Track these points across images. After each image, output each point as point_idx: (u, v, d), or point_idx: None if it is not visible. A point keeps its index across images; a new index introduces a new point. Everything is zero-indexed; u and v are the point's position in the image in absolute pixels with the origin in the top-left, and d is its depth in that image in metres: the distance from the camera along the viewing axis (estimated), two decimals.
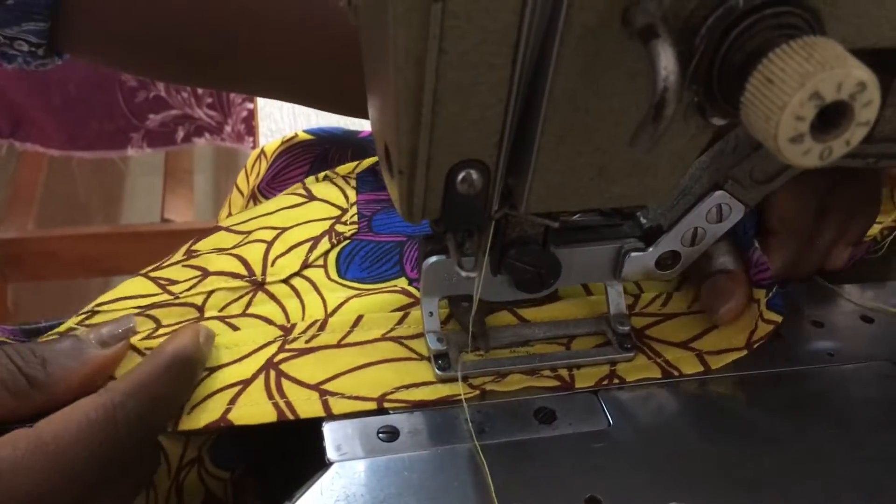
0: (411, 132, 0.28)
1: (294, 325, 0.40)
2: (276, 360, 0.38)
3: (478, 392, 0.38)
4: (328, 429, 0.36)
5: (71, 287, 1.46)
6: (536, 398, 0.38)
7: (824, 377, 0.40)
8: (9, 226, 1.33)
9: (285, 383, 0.37)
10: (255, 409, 0.36)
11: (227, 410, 0.36)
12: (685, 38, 0.26)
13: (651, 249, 0.39)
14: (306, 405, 0.37)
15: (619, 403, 0.39)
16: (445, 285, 0.38)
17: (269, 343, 0.39)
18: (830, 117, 0.23)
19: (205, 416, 0.36)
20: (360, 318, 0.40)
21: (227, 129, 1.30)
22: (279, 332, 0.40)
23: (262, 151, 0.65)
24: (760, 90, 0.23)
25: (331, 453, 0.35)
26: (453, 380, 0.38)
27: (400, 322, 0.40)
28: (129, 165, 1.65)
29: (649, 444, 0.37)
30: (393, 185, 0.31)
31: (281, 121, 0.78)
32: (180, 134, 1.30)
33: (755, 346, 0.40)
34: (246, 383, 0.37)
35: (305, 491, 0.34)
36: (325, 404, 0.37)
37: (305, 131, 0.64)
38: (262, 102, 0.80)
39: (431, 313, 0.39)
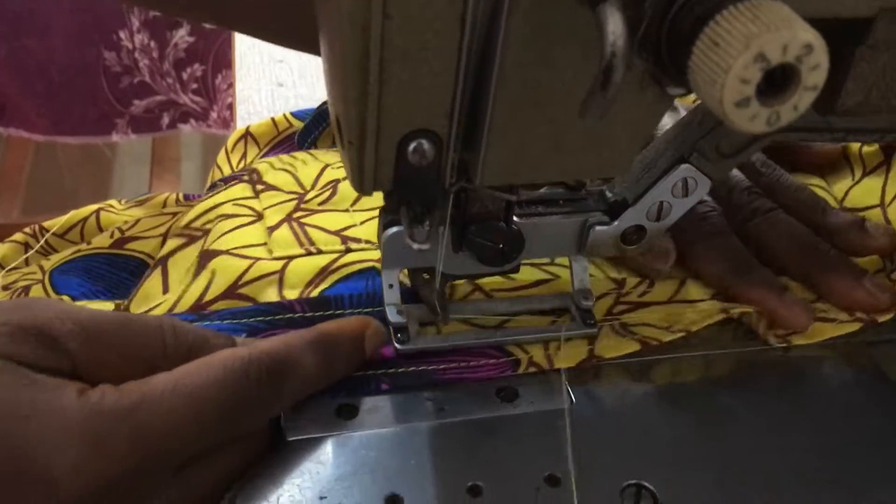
0: (359, 101, 0.28)
1: None
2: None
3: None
4: None
5: None
6: (499, 377, 0.38)
7: (791, 357, 0.40)
8: None
9: None
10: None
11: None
12: (634, 2, 0.25)
13: (616, 223, 0.38)
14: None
15: (582, 382, 0.38)
16: (406, 257, 0.37)
17: None
18: (777, 81, 0.23)
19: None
20: None
21: (213, 115, 1.30)
22: None
23: (248, 132, 0.64)
24: (706, 54, 0.23)
25: (288, 430, 0.35)
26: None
27: None
28: (117, 153, 1.64)
29: (611, 423, 0.36)
30: (344, 156, 0.30)
31: (259, 103, 0.77)
32: (165, 120, 1.29)
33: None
34: None
35: (261, 469, 0.34)
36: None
37: (293, 114, 0.64)
38: (240, 86, 0.79)
39: (391, 285, 0.38)
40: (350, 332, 0.36)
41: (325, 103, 0.60)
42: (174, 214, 0.53)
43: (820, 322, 0.41)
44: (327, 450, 0.34)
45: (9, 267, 0.53)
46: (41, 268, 0.50)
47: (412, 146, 0.29)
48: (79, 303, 0.45)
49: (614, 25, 0.24)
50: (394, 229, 0.36)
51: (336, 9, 0.26)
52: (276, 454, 0.34)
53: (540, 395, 0.37)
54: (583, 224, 0.38)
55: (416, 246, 0.32)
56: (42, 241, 0.54)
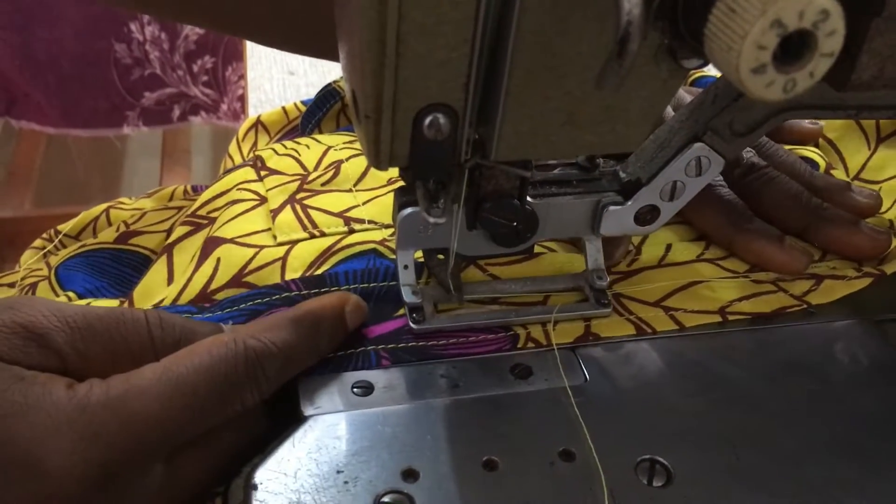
0: (376, 75, 0.28)
1: None
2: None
3: None
4: (303, 384, 0.36)
5: None
6: (513, 354, 0.38)
7: (803, 334, 0.40)
8: (6, 205, 1.34)
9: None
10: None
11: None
12: None
13: (630, 203, 0.38)
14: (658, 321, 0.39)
15: (596, 360, 0.38)
16: (421, 238, 0.38)
17: None
18: (793, 48, 0.23)
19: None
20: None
21: (223, 107, 1.30)
22: None
23: (260, 121, 0.65)
24: (723, 20, 0.23)
25: (305, 408, 0.35)
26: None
27: None
28: (127, 146, 1.65)
29: (625, 400, 0.37)
30: (360, 131, 0.31)
31: (270, 91, 0.77)
32: (176, 112, 1.29)
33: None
34: None
35: (279, 444, 0.34)
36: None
37: (304, 103, 0.64)
38: (251, 74, 0.79)
39: (406, 266, 0.38)
40: (331, 309, 0.37)
41: (328, 85, 0.60)
42: (179, 209, 0.53)
43: (831, 279, 0.42)
44: (344, 425, 0.35)
45: (24, 266, 0.54)
46: (48, 264, 0.51)
47: (428, 120, 0.29)
48: (84, 300, 0.46)
49: None
50: (409, 210, 0.36)
51: None
52: (294, 430, 0.34)
53: (553, 373, 0.37)
54: (596, 204, 0.38)
55: (431, 220, 0.32)
56: (55, 242, 0.55)
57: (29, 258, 0.57)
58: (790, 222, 0.44)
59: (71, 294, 0.46)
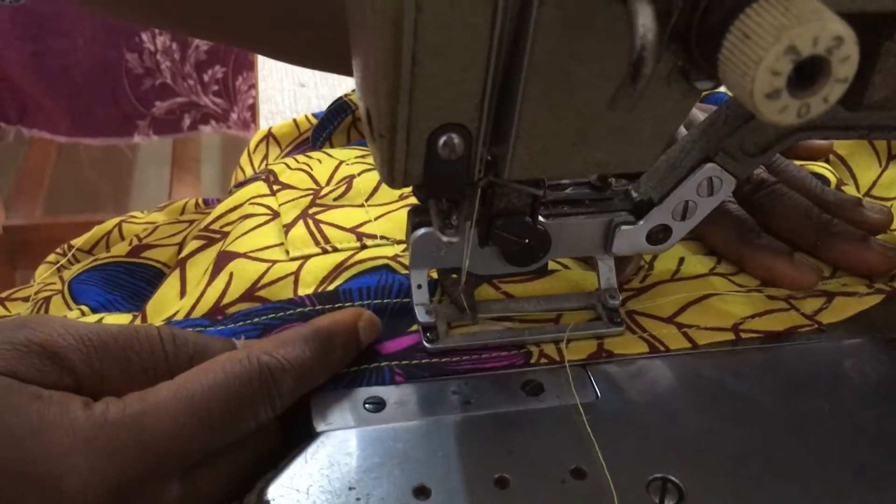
0: (390, 95, 0.28)
1: None
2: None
3: None
4: (315, 400, 0.36)
5: None
6: (526, 371, 0.38)
7: (815, 352, 0.40)
8: (17, 212, 1.34)
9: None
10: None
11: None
12: None
13: (642, 223, 0.39)
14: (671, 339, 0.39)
15: (607, 377, 0.38)
16: (434, 258, 0.38)
17: None
18: (808, 74, 0.23)
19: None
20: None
21: (233, 116, 1.31)
22: None
23: (271, 133, 0.65)
24: (737, 46, 0.23)
25: (317, 423, 0.35)
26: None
27: None
28: (137, 154, 1.66)
29: (636, 417, 0.37)
30: (374, 150, 0.31)
31: (282, 103, 0.78)
32: (186, 121, 1.30)
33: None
34: None
35: (291, 460, 0.34)
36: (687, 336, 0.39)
37: (315, 115, 0.65)
38: (262, 86, 0.80)
39: (420, 286, 0.39)
40: (344, 325, 0.37)
41: (339, 99, 0.61)
42: (191, 222, 0.54)
43: (842, 297, 0.42)
44: (356, 442, 0.35)
45: (39, 280, 0.55)
46: (61, 278, 0.52)
47: (442, 140, 0.29)
48: (97, 314, 0.46)
49: (644, 18, 0.24)
50: (422, 230, 0.36)
51: (369, 3, 0.26)
52: (306, 446, 0.34)
53: (565, 390, 0.37)
54: (608, 224, 0.39)
55: (445, 239, 0.32)
56: (69, 256, 0.56)
57: (43, 272, 0.58)
58: (800, 238, 0.44)
59: (84, 308, 0.47)
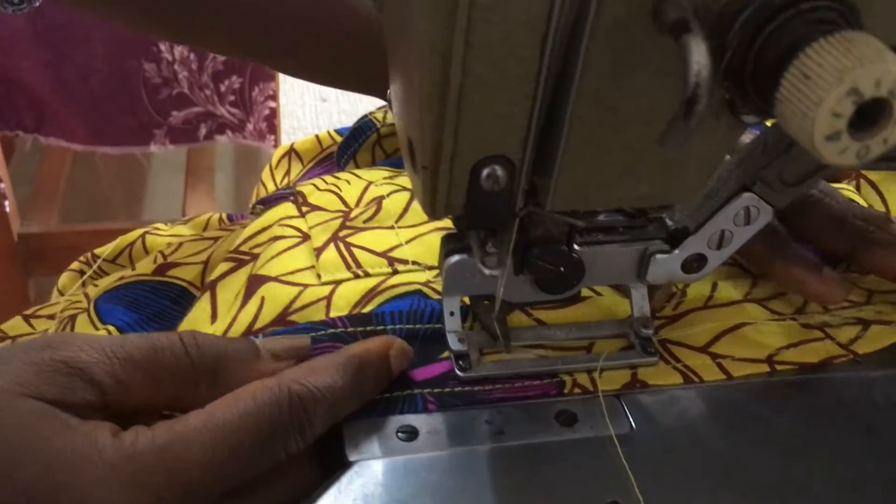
0: (436, 127, 0.28)
1: None
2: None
3: None
4: (348, 428, 0.36)
5: None
6: (559, 400, 0.38)
7: (851, 383, 0.40)
8: (32, 220, 1.34)
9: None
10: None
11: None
12: (718, 32, 0.25)
13: (677, 251, 0.38)
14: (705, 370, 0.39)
15: (641, 407, 0.38)
16: (467, 284, 0.37)
17: None
18: (868, 114, 0.23)
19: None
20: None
21: (249, 126, 1.31)
22: None
23: (293, 149, 0.65)
24: (796, 86, 0.23)
25: (350, 453, 0.35)
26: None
27: None
28: (152, 162, 1.66)
29: (672, 449, 0.36)
30: (416, 180, 0.30)
31: (303, 118, 0.77)
32: (202, 131, 1.30)
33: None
34: None
35: (323, 491, 0.34)
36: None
37: (337, 131, 0.65)
38: (284, 100, 0.80)
39: (452, 313, 0.38)
40: (376, 353, 0.36)
41: (364, 117, 0.60)
42: (215, 240, 0.54)
43: (878, 325, 0.41)
44: (388, 472, 0.34)
45: (66, 295, 0.55)
46: (87, 296, 0.51)
47: (485, 172, 0.29)
48: (123, 333, 0.46)
49: (699, 56, 0.24)
50: (456, 257, 0.36)
51: (416, 36, 0.26)
52: (339, 475, 0.34)
53: (599, 420, 0.37)
54: (643, 252, 0.38)
55: (487, 272, 0.31)
56: (94, 267, 0.56)
57: (66, 281, 0.57)
58: (835, 244, 0.43)
59: (111, 328, 0.46)
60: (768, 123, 0.39)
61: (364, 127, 0.59)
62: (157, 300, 0.48)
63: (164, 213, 1.66)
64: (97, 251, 0.59)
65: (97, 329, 0.47)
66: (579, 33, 0.26)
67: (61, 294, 0.58)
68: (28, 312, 0.53)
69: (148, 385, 0.32)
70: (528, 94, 0.27)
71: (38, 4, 0.52)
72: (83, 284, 0.55)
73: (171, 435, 0.30)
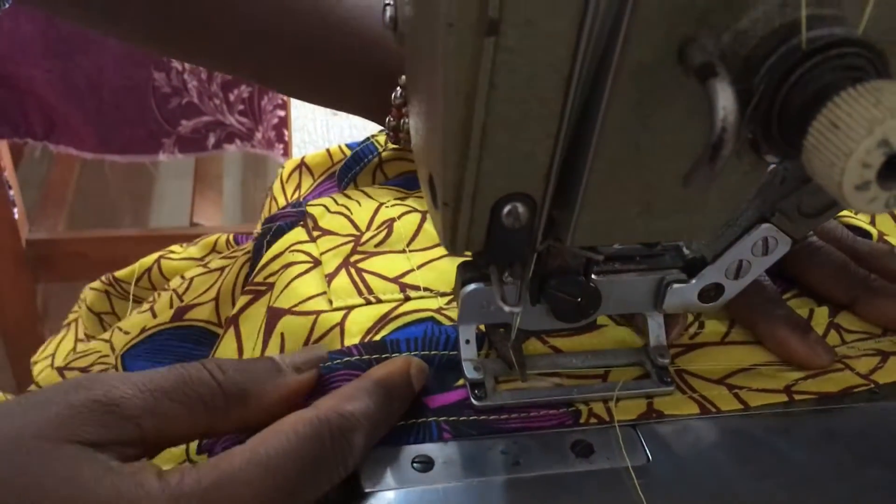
0: (458, 165, 0.28)
1: None
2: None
3: None
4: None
5: None
6: (574, 430, 0.38)
7: (870, 414, 0.39)
8: (40, 226, 1.35)
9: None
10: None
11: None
12: (744, 76, 0.25)
13: (694, 281, 0.38)
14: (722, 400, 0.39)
15: (658, 438, 0.38)
16: (483, 313, 0.37)
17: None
18: None
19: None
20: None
21: (258, 135, 1.30)
22: None
23: (304, 163, 0.65)
24: (825, 135, 0.23)
25: (365, 483, 0.35)
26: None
27: None
28: (160, 169, 1.66)
29: (689, 481, 0.36)
30: (437, 216, 0.30)
31: (314, 132, 0.77)
32: (211, 140, 1.30)
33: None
34: None
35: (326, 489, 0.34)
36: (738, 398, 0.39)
37: (348, 146, 0.64)
38: (295, 114, 0.80)
39: (468, 341, 0.38)
40: (399, 374, 0.36)
41: (366, 140, 0.60)
42: (222, 270, 0.54)
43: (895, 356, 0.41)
44: (404, 502, 0.34)
45: (93, 343, 0.56)
46: (112, 348, 0.52)
47: (507, 209, 0.29)
48: None
49: (725, 101, 0.24)
50: (472, 286, 0.36)
51: (441, 76, 0.26)
52: None
53: (615, 451, 0.37)
54: (660, 281, 0.38)
55: (508, 309, 0.31)
56: (115, 287, 0.58)
57: (93, 298, 0.59)
58: (837, 295, 0.43)
59: None
60: None
61: (365, 150, 0.59)
62: (180, 345, 0.49)
63: (172, 220, 1.67)
64: (117, 274, 0.60)
65: None
66: (604, 74, 0.26)
67: (93, 312, 0.59)
68: (61, 365, 0.55)
69: (182, 415, 0.32)
70: (551, 133, 0.27)
71: (7, 7, 0.52)
72: (110, 301, 0.56)
73: (217, 474, 0.30)
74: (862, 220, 0.49)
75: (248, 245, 0.54)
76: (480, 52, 0.25)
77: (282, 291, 0.43)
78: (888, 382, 0.40)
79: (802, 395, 0.39)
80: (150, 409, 0.31)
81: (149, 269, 0.58)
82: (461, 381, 0.39)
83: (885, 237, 0.49)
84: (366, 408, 0.34)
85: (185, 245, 0.62)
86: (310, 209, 0.50)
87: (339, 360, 0.39)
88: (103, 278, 0.60)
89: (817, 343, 0.40)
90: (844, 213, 0.49)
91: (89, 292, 0.60)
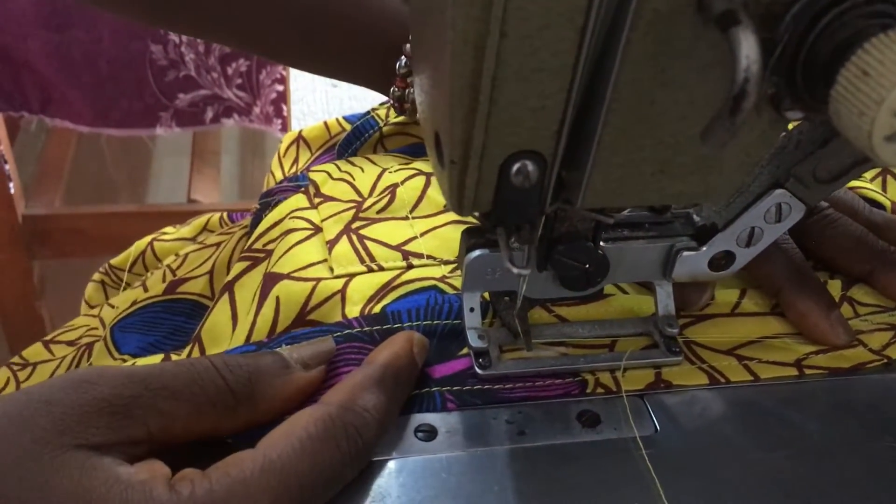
0: (466, 120, 0.27)
1: None
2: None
3: None
4: None
5: (97, 264, 1.46)
6: (581, 400, 0.37)
7: (883, 386, 0.38)
8: (37, 202, 1.33)
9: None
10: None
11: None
12: (767, 25, 0.24)
13: (704, 249, 0.37)
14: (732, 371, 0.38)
15: (666, 408, 0.37)
16: (488, 281, 0.36)
17: None
18: None
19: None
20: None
21: (256, 110, 1.29)
22: None
23: (301, 136, 0.64)
24: (854, 83, 0.22)
25: None
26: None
27: None
28: (157, 145, 1.65)
29: (697, 452, 0.35)
30: (443, 176, 0.29)
31: (314, 103, 0.76)
32: (209, 114, 1.29)
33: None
34: None
35: (342, 491, 0.33)
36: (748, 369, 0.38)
37: (346, 118, 0.63)
38: (294, 86, 0.78)
39: (473, 309, 0.37)
40: (405, 356, 0.36)
41: (366, 113, 0.59)
42: (218, 245, 0.53)
43: None
44: (409, 472, 0.33)
45: (90, 310, 0.55)
46: (102, 322, 0.51)
47: (516, 167, 0.28)
48: (140, 359, 0.46)
49: (749, 49, 0.23)
50: (477, 252, 0.35)
51: (449, 25, 0.25)
52: (356, 475, 0.33)
53: (623, 421, 0.36)
54: (669, 249, 0.37)
55: (516, 271, 0.30)
56: (111, 276, 0.58)
57: (91, 292, 0.59)
58: (854, 267, 0.42)
59: (126, 357, 0.46)
60: None
61: (366, 125, 0.58)
62: (171, 318, 0.48)
63: (169, 197, 1.66)
64: (112, 262, 0.60)
65: (114, 359, 0.46)
66: (619, 24, 0.25)
67: (89, 306, 0.59)
68: (48, 338, 0.54)
69: (190, 414, 0.31)
70: (563, 87, 0.26)
71: None
72: (105, 292, 0.56)
73: (229, 482, 0.29)
74: (875, 190, 0.48)
75: (245, 221, 0.53)
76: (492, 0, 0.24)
77: (280, 257, 0.42)
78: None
79: (813, 369, 0.38)
80: (157, 408, 0.30)
81: (143, 253, 0.58)
82: (464, 351, 0.38)
83: None
84: (377, 401, 0.33)
85: (177, 227, 0.61)
86: (312, 175, 0.49)
87: (339, 333, 0.38)
88: (101, 269, 0.59)
89: (839, 322, 0.39)
90: (856, 183, 0.48)
91: (89, 285, 0.60)
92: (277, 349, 0.36)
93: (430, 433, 0.35)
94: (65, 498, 0.27)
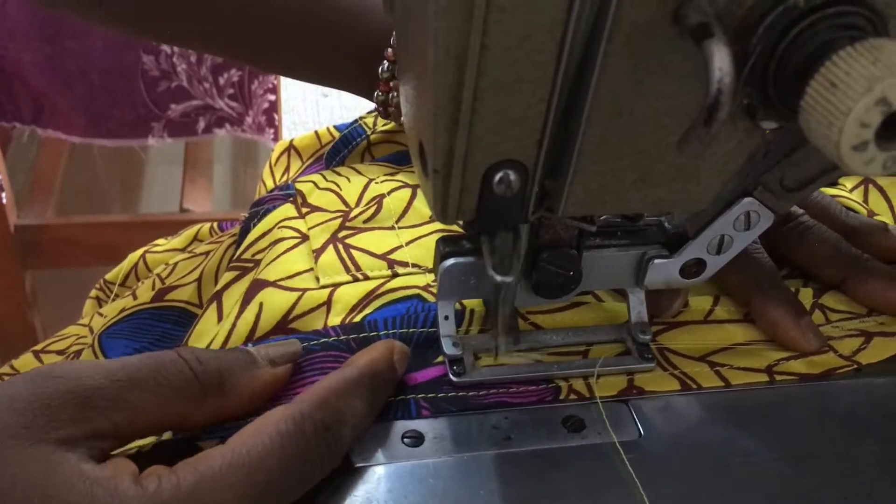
0: (448, 130, 0.27)
1: None
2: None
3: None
4: None
5: (89, 275, 1.46)
6: (567, 405, 0.37)
7: (855, 390, 0.39)
8: (29, 212, 1.34)
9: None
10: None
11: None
12: (740, 38, 0.24)
13: (676, 257, 0.37)
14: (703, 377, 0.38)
15: (649, 413, 0.37)
16: (463, 289, 0.37)
17: None
18: (894, 125, 0.22)
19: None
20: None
21: (248, 120, 1.30)
22: None
23: (292, 145, 0.64)
24: (823, 94, 0.22)
25: (355, 458, 0.34)
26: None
27: None
28: (149, 154, 1.65)
29: (682, 457, 0.36)
30: (427, 185, 0.30)
31: (304, 113, 0.77)
32: (201, 124, 1.29)
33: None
34: None
35: (328, 496, 0.33)
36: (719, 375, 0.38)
37: (337, 127, 0.64)
38: (285, 95, 0.79)
39: (447, 317, 0.38)
40: (384, 362, 0.36)
41: (354, 122, 0.60)
42: (207, 254, 0.53)
43: (880, 337, 0.40)
44: (395, 478, 0.34)
45: (81, 320, 0.56)
46: (91, 331, 0.51)
47: (498, 176, 0.29)
48: None
49: (721, 62, 0.23)
50: (451, 261, 0.35)
51: (431, 37, 0.25)
52: (343, 481, 0.34)
53: (607, 427, 0.36)
54: (641, 257, 0.37)
55: (499, 279, 0.31)
56: (104, 290, 0.59)
57: (86, 307, 0.60)
58: (827, 274, 0.43)
59: None
60: None
61: (353, 133, 0.58)
62: (158, 324, 0.49)
63: (161, 206, 1.66)
64: (107, 277, 0.61)
65: None
66: (597, 36, 0.26)
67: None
68: (38, 348, 0.54)
69: (156, 405, 0.31)
70: (543, 98, 0.27)
71: None
72: (98, 305, 0.56)
73: (197, 477, 0.29)
74: (854, 200, 0.49)
75: (235, 229, 0.54)
76: (472, 12, 0.24)
77: (267, 265, 0.42)
78: (871, 363, 0.40)
79: (784, 375, 0.39)
80: (122, 400, 0.30)
81: (135, 266, 0.59)
82: (440, 358, 0.38)
83: (876, 216, 0.48)
84: (352, 402, 0.33)
85: (169, 238, 0.62)
86: (298, 186, 0.49)
87: (316, 342, 0.38)
88: (97, 285, 0.60)
89: (809, 328, 0.40)
90: (833, 191, 0.49)
91: (87, 302, 0.61)
92: (247, 348, 0.36)
93: (416, 439, 0.36)
94: (30, 493, 0.27)
